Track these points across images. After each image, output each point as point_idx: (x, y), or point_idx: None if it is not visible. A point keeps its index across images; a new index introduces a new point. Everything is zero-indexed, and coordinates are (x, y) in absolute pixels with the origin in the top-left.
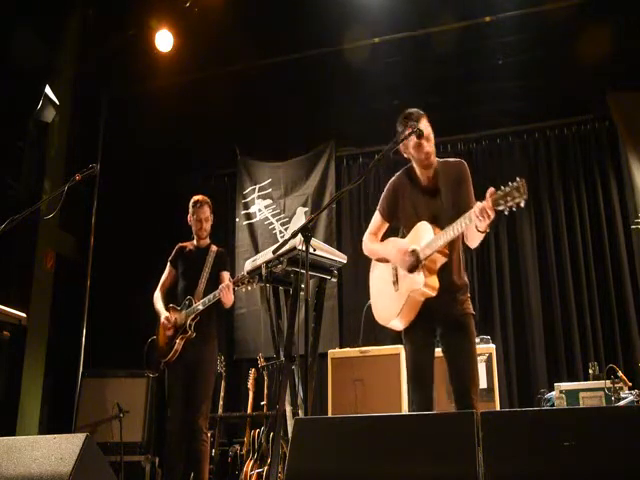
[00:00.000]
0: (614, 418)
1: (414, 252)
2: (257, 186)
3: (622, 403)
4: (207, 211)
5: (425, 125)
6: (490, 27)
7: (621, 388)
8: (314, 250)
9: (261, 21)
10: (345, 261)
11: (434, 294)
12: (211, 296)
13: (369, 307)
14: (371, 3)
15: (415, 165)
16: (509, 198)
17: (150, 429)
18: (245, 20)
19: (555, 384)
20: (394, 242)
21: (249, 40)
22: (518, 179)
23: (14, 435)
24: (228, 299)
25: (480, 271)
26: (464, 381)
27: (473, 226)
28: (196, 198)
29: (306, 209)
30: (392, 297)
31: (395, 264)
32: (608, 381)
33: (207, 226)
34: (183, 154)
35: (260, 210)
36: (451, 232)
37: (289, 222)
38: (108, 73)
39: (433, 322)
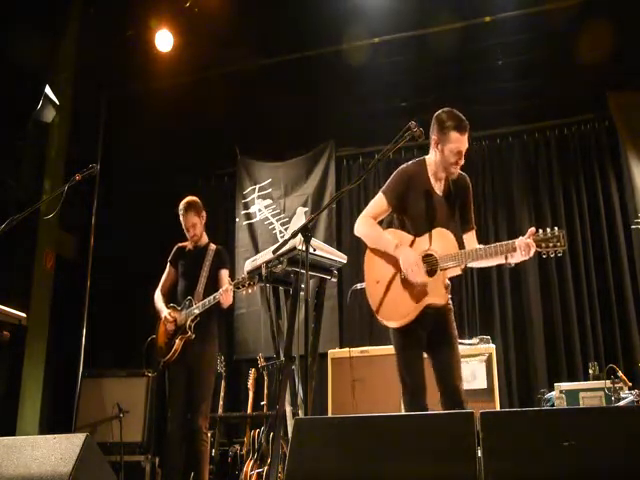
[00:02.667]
0: (614, 418)
1: (431, 257)
2: (257, 186)
3: (622, 403)
4: (193, 218)
5: (466, 139)
6: (490, 27)
7: (621, 388)
8: (314, 250)
9: (261, 21)
10: (345, 261)
11: (443, 303)
12: (211, 298)
13: (355, 292)
14: (371, 3)
15: (434, 164)
16: (550, 244)
17: (150, 429)
18: (245, 20)
19: (555, 384)
20: (402, 237)
21: (249, 40)
22: (557, 229)
23: (14, 435)
24: (227, 301)
25: (480, 271)
26: (453, 377)
27: (503, 257)
28: (181, 205)
29: (306, 209)
30: (399, 297)
31: (408, 262)
32: (608, 381)
33: (197, 231)
34: (183, 154)
35: (260, 210)
36: (482, 253)
37: (289, 222)
38: (108, 73)
39: (425, 322)
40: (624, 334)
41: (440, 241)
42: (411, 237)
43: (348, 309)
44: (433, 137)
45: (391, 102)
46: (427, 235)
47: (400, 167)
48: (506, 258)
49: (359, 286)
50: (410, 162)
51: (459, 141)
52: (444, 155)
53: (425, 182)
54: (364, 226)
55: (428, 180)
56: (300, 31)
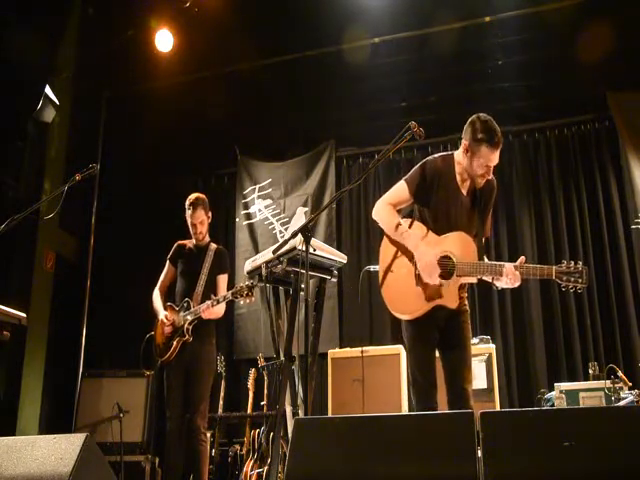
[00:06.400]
0: (614, 418)
1: (449, 260)
2: (257, 186)
3: (622, 403)
4: (201, 214)
5: (497, 155)
6: (490, 27)
7: (621, 388)
8: (314, 250)
9: (261, 21)
10: (345, 261)
11: (454, 307)
12: (193, 311)
13: (367, 273)
14: (371, 3)
15: (462, 166)
16: (572, 279)
17: (150, 429)
18: (245, 20)
19: (555, 384)
20: (422, 231)
21: (249, 40)
22: (581, 264)
23: (14, 435)
24: (211, 316)
25: None
26: (461, 380)
27: (490, 277)
28: (190, 200)
29: (306, 209)
30: (411, 292)
31: (424, 262)
32: (608, 381)
33: (203, 229)
34: (183, 154)
35: (260, 210)
36: (496, 268)
37: (289, 222)
38: (108, 73)
39: (438, 319)
40: (624, 334)
41: (460, 246)
42: (431, 233)
43: (348, 308)
44: (464, 142)
45: (391, 102)
46: (448, 235)
47: (426, 159)
48: (492, 280)
49: (372, 268)
50: (437, 155)
51: (489, 157)
52: (472, 166)
53: (452, 179)
54: (382, 212)
55: (455, 178)
56: (300, 31)
